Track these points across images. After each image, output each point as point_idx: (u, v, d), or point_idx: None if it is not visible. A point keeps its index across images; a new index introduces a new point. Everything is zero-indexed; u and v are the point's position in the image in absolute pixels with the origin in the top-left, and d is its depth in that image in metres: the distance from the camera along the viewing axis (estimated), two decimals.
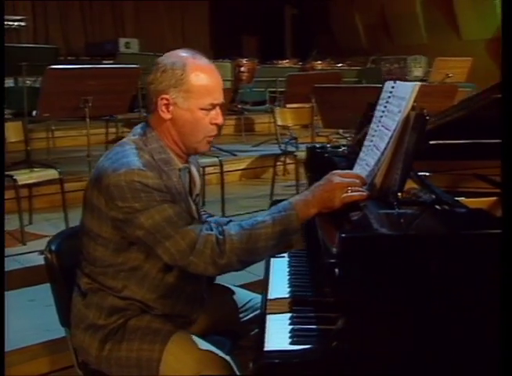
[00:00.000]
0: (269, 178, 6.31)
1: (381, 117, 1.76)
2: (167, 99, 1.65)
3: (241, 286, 2.15)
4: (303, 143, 5.46)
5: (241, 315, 1.98)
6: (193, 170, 1.83)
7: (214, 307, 1.91)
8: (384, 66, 10.49)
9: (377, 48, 11.95)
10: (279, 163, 5.98)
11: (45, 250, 1.77)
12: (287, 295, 1.60)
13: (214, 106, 1.68)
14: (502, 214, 1.19)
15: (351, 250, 1.16)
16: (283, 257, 1.91)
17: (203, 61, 1.68)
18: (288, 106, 5.50)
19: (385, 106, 1.76)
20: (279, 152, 5.48)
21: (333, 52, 12.38)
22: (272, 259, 1.89)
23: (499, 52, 10.83)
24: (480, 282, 1.11)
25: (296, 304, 1.52)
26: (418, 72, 10.36)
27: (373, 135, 1.77)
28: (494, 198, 1.74)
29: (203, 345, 1.63)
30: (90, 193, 1.67)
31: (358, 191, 1.52)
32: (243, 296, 2.02)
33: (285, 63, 9.43)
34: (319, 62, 9.00)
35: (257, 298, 2.04)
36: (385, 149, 1.57)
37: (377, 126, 1.77)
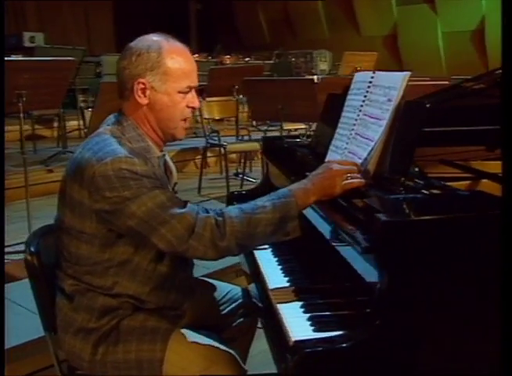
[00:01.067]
0: (191, 171, 6.30)
1: (361, 106, 1.80)
2: (143, 83, 1.59)
3: None
4: (226, 136, 5.50)
5: (221, 307, 1.96)
6: (168, 158, 1.79)
7: (197, 300, 1.87)
8: (289, 60, 10.70)
9: (280, 43, 12.18)
10: (199, 156, 5.98)
11: (25, 253, 1.66)
12: (287, 284, 1.60)
13: (190, 88, 1.65)
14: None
15: (392, 234, 1.18)
16: (265, 249, 1.91)
17: (177, 44, 1.65)
18: (208, 99, 5.47)
19: (365, 96, 1.80)
20: (205, 145, 5.46)
21: (237, 47, 12.49)
22: (255, 251, 1.88)
23: (395, 48, 11.36)
24: None
25: (302, 292, 1.52)
26: (323, 66, 10.67)
27: (354, 124, 1.81)
28: (465, 182, 1.83)
29: (206, 340, 1.60)
30: (69, 189, 1.58)
31: (357, 178, 1.55)
32: (221, 288, 1.99)
33: (195, 57, 9.37)
34: (228, 56, 9.01)
35: (235, 289, 2.03)
36: (378, 137, 1.61)
37: (357, 115, 1.81)
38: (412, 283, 1.19)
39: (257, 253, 1.88)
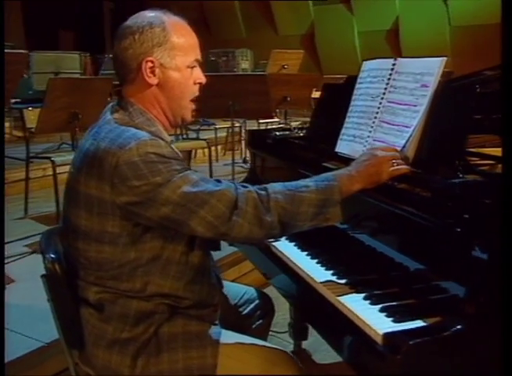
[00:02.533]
0: None
1: (383, 93, 1.78)
2: (151, 61, 1.49)
3: None
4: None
5: (240, 309, 1.88)
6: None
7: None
8: (209, 59, 10.62)
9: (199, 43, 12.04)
10: None
11: (45, 261, 1.49)
12: (335, 277, 1.54)
13: (198, 62, 1.57)
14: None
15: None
16: (287, 243, 1.84)
17: (177, 18, 1.57)
18: None
19: (387, 83, 1.78)
20: None
21: None
22: (277, 247, 1.80)
23: (312, 47, 11.54)
24: None
25: (356, 284, 1.47)
26: (245, 64, 10.64)
27: (376, 112, 1.78)
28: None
29: (258, 341, 1.51)
30: (83, 187, 1.44)
31: (402, 164, 1.52)
32: (237, 289, 1.91)
33: None
34: None
35: (249, 290, 1.97)
36: (417, 123, 1.58)
37: (379, 103, 1.78)
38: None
39: (280, 248, 1.80)
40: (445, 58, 1.58)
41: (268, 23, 12.24)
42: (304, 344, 2.75)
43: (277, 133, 2.50)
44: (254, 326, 1.89)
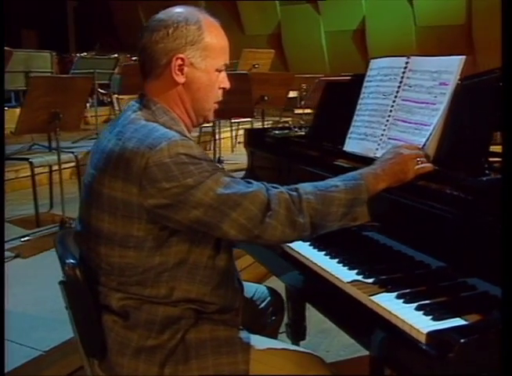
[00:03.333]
0: None
1: (397, 92, 1.78)
2: (182, 59, 1.44)
3: None
4: None
5: (253, 307, 1.85)
6: None
7: None
8: None
9: None
10: None
11: (65, 267, 1.42)
12: (360, 277, 1.53)
13: (226, 67, 1.53)
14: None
15: None
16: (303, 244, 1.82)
17: (212, 18, 1.52)
18: (121, 97, 5.23)
19: (400, 82, 1.78)
20: None
21: (116, 46, 12.08)
22: (293, 247, 1.78)
23: (279, 46, 11.60)
24: None
25: (384, 283, 1.46)
26: None
27: (390, 111, 1.78)
28: None
29: (289, 346, 1.49)
30: (107, 189, 1.39)
31: (426, 162, 1.52)
32: (248, 287, 1.87)
33: (85, 55, 8.91)
34: (128, 55, 8.68)
35: (260, 287, 1.95)
36: (437, 121, 1.58)
37: (393, 101, 1.78)
38: None
39: (295, 248, 1.78)
40: (464, 56, 1.59)
41: (235, 22, 12.22)
42: (302, 344, 2.74)
43: (276, 132, 2.48)
44: (268, 322, 1.86)
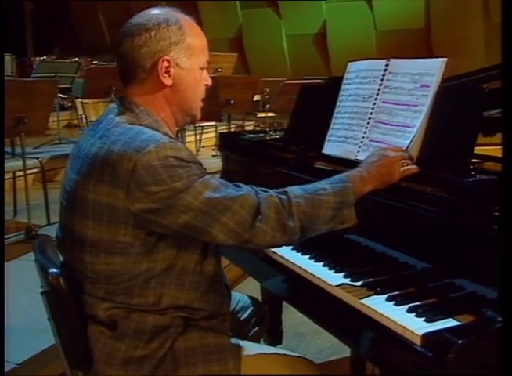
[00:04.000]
0: (62, 180, 5.83)
1: (377, 94, 1.79)
2: (168, 61, 1.42)
3: None
4: None
5: (237, 317, 1.83)
6: None
7: None
8: None
9: None
10: None
11: (48, 276, 1.37)
12: (348, 280, 1.52)
13: (208, 64, 1.53)
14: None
15: None
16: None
17: (189, 17, 1.50)
18: (85, 101, 5.14)
19: (380, 84, 1.78)
20: None
21: (75, 49, 11.88)
22: (277, 252, 1.77)
23: (241, 50, 11.59)
24: None
25: (372, 285, 1.46)
26: None
27: (371, 113, 1.79)
28: None
29: (280, 350, 1.48)
30: (92, 193, 1.35)
31: (411, 164, 1.53)
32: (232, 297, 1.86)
33: (45, 58, 8.73)
34: (89, 58, 8.54)
35: (242, 297, 1.93)
36: (420, 123, 1.59)
37: (373, 103, 1.79)
38: None
39: (278, 252, 1.77)
40: (445, 59, 1.61)
41: None
42: (279, 348, 2.73)
43: (251, 135, 2.47)
44: (250, 333, 1.84)
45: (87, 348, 1.40)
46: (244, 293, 2.01)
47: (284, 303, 2.48)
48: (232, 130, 7.18)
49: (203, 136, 8.14)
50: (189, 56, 1.44)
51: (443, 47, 9.26)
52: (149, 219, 1.32)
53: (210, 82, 1.54)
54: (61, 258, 1.51)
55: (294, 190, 1.41)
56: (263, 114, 7.92)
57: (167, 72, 1.43)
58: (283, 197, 1.38)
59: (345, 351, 2.76)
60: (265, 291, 2.53)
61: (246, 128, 8.15)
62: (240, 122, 8.36)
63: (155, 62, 1.42)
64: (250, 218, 1.32)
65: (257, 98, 7.59)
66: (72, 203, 1.41)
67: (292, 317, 2.85)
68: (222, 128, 7.68)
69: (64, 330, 1.41)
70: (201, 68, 1.49)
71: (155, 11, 1.46)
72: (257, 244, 1.36)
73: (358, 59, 1.98)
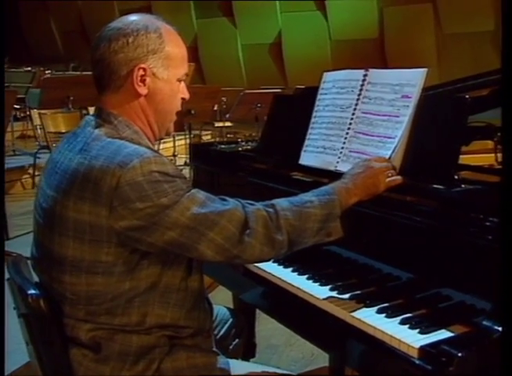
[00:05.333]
0: (19, 193, 5.69)
1: (356, 104, 1.78)
2: (144, 69, 1.37)
3: None
4: None
5: (216, 330, 1.78)
6: None
7: None
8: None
9: (76, 56, 11.62)
10: (26, 176, 5.47)
11: (27, 298, 1.30)
12: (334, 293, 1.50)
13: (186, 76, 1.48)
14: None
15: None
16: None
17: (170, 25, 1.45)
18: (43, 112, 5.02)
19: (359, 94, 1.78)
20: (33, 163, 5.00)
21: (27, 59, 11.60)
22: (259, 266, 1.73)
23: (196, 59, 11.55)
24: None
25: (361, 298, 1.45)
26: None
27: (350, 123, 1.78)
28: None
29: (268, 368, 1.44)
30: (72, 212, 1.29)
31: (395, 175, 1.53)
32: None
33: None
34: (42, 68, 8.34)
35: (221, 309, 1.88)
36: (401, 134, 1.59)
37: (352, 114, 1.78)
38: None
39: (260, 266, 1.73)
40: (426, 69, 1.61)
41: None
42: (252, 361, 2.69)
43: (223, 146, 2.44)
44: (231, 346, 1.80)
45: (69, 373, 1.33)
46: (220, 304, 1.97)
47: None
48: (190, 140, 7.12)
49: (161, 146, 8.04)
50: (166, 67, 1.40)
51: (397, 57, 9.45)
52: (134, 237, 1.27)
53: (187, 96, 1.50)
54: (36, 279, 1.44)
55: (281, 203, 1.38)
56: (220, 124, 7.89)
57: (143, 81, 1.38)
58: (271, 210, 1.35)
59: (319, 362, 2.76)
60: (238, 301, 2.49)
61: (204, 138, 8.11)
62: (197, 132, 8.29)
63: (130, 69, 1.37)
64: (238, 232, 1.29)
65: (215, 107, 7.57)
66: (50, 221, 1.34)
67: (263, 329, 2.82)
68: (180, 138, 7.61)
69: (45, 354, 1.33)
70: (179, 80, 1.44)
71: (135, 17, 1.41)
72: (245, 259, 1.33)
73: (334, 70, 1.98)
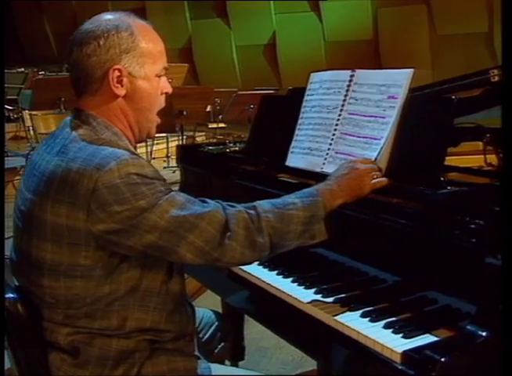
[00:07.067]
0: (10, 194, 5.65)
1: (342, 105, 1.76)
2: (119, 70, 1.35)
3: None
4: None
5: (201, 334, 1.76)
6: None
7: None
8: None
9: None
10: (18, 177, 5.45)
11: (5, 303, 1.28)
12: (319, 296, 1.48)
13: (166, 70, 1.45)
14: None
15: None
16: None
17: (143, 21, 1.43)
18: (34, 113, 4.99)
19: (346, 95, 1.76)
20: (25, 164, 4.96)
21: (20, 59, 11.56)
22: (243, 268, 1.71)
23: (190, 60, 11.53)
24: None
25: (345, 301, 1.43)
26: None
27: (336, 124, 1.76)
28: None
29: (251, 372, 1.43)
30: (50, 215, 1.27)
31: (381, 176, 1.51)
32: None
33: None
34: (35, 69, 8.30)
35: (207, 312, 1.86)
36: (387, 135, 1.57)
37: (339, 115, 1.76)
38: None
39: (245, 268, 1.71)
40: (412, 69, 1.59)
41: None
42: (241, 364, 2.67)
43: (211, 147, 2.42)
44: (216, 350, 1.78)
45: None
46: (206, 307, 1.95)
47: (244, 317, 2.43)
48: (184, 142, 7.10)
49: (154, 148, 8.02)
50: (142, 64, 1.37)
51: (391, 58, 9.44)
52: (112, 240, 1.25)
53: (170, 90, 1.47)
54: (15, 283, 1.41)
55: (263, 205, 1.36)
56: (214, 125, 7.87)
57: (120, 82, 1.36)
58: (252, 212, 1.33)
59: (308, 365, 2.74)
60: (227, 305, 2.47)
61: (198, 139, 8.08)
62: (191, 133, 8.27)
63: (105, 71, 1.35)
64: (218, 235, 1.27)
65: (208, 109, 7.55)
66: (28, 224, 1.32)
67: (253, 332, 2.80)
68: (173, 139, 7.59)
69: (23, 359, 1.32)
70: (158, 75, 1.41)
71: (106, 16, 1.39)
72: (226, 262, 1.31)
73: (316, 71, 1.96)
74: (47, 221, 1.27)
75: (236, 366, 2.63)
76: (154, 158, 8.04)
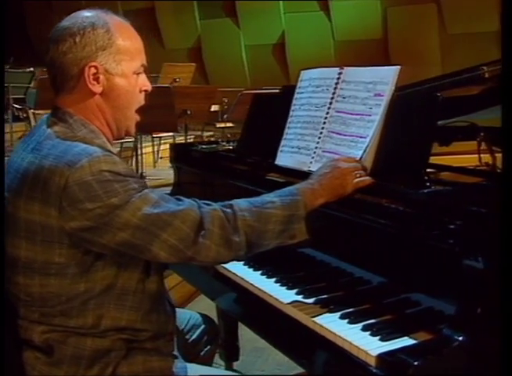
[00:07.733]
0: None
1: (330, 103, 1.73)
2: (95, 67, 1.34)
3: None
4: None
5: (187, 336, 1.75)
6: None
7: None
8: None
9: None
10: None
11: None
12: (300, 297, 1.46)
13: (144, 68, 1.44)
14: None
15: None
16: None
17: (120, 18, 1.42)
18: (37, 112, 5.01)
19: (333, 93, 1.73)
20: None
21: (31, 59, 11.62)
22: (227, 267, 1.69)
23: (200, 60, 11.53)
24: None
25: (325, 302, 1.40)
26: None
27: (324, 123, 1.74)
28: None
29: (228, 372, 1.41)
30: (23, 212, 1.27)
31: (364, 175, 1.48)
32: (181, 315, 1.77)
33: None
34: (44, 68, 8.31)
35: (194, 315, 1.85)
36: (373, 133, 1.54)
37: (326, 113, 1.73)
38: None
39: (229, 268, 1.69)
40: (398, 66, 1.56)
41: (155, 36, 12.04)
42: (236, 364, 2.65)
43: (203, 146, 2.40)
44: (202, 353, 1.76)
45: None
46: (197, 310, 1.93)
47: None
48: (191, 140, 7.09)
49: (161, 147, 8.01)
50: (119, 61, 1.36)
51: (400, 57, 9.35)
52: (85, 238, 1.24)
53: (149, 87, 1.45)
54: None
55: (240, 204, 1.34)
56: (222, 124, 7.86)
57: (96, 79, 1.35)
58: (228, 210, 1.31)
59: None
60: (222, 308, 2.45)
61: (206, 139, 8.07)
62: (199, 132, 8.27)
63: (81, 69, 1.34)
64: (192, 233, 1.26)
65: (215, 108, 7.54)
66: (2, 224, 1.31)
67: (248, 332, 2.76)
68: (180, 139, 7.58)
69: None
70: (135, 73, 1.40)
71: (83, 13, 1.38)
72: (201, 260, 1.29)
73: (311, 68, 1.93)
74: (21, 218, 1.27)
75: (231, 366, 2.62)
76: (161, 158, 8.04)
